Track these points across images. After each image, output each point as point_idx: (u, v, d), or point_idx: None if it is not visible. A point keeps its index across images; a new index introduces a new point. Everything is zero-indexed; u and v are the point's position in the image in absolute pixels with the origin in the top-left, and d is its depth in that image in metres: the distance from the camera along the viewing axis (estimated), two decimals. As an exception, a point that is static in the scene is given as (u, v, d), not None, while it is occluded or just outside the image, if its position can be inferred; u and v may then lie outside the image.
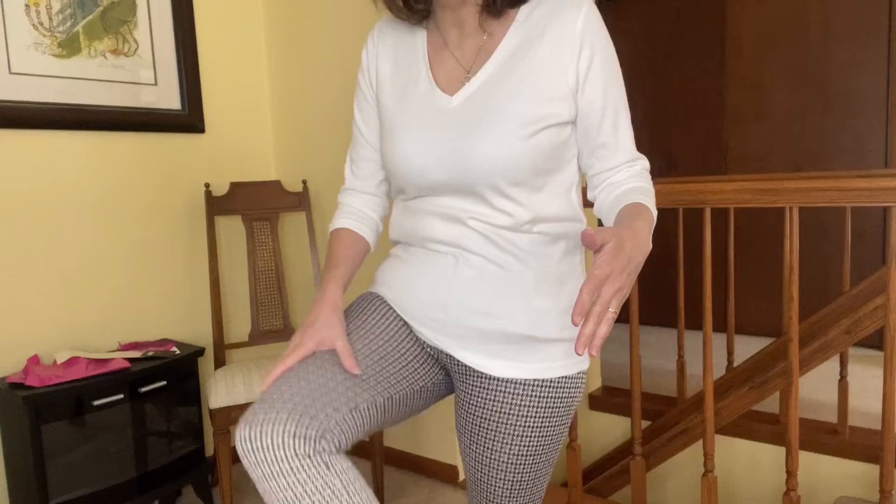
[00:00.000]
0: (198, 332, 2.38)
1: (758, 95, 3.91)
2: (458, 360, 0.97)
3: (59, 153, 2.00)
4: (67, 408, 1.76)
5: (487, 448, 0.96)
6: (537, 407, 0.94)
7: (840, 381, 2.37)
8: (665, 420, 2.75)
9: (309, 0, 2.46)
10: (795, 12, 3.75)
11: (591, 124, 0.93)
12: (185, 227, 2.33)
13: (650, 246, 0.80)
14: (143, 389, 1.90)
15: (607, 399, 3.03)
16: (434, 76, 0.95)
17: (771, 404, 2.62)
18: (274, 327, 2.32)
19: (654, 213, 0.91)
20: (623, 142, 0.95)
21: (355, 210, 1.08)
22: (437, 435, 2.29)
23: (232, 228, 2.48)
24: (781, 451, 2.45)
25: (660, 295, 4.31)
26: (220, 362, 2.22)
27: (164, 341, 2.16)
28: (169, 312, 2.29)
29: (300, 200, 2.41)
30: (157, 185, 2.24)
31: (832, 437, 2.36)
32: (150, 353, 1.99)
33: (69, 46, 1.99)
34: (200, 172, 2.38)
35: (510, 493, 0.98)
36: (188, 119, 2.30)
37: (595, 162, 0.96)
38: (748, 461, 2.56)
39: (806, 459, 2.39)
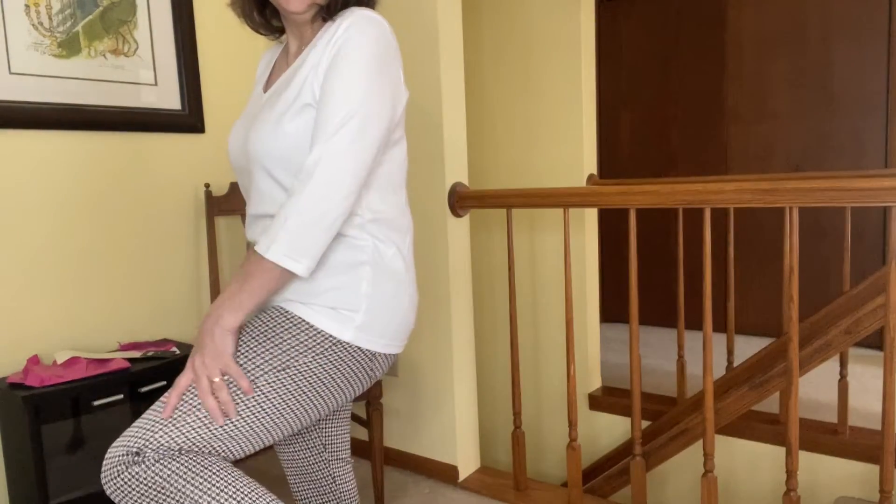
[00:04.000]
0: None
1: (758, 95, 3.91)
2: None
3: (58, 153, 2.00)
4: (67, 408, 1.76)
5: None
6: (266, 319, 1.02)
7: (840, 381, 2.37)
8: (665, 420, 2.75)
9: None
10: (795, 12, 3.76)
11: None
12: (185, 227, 2.33)
13: (237, 308, 0.97)
14: (143, 389, 1.90)
15: (607, 399, 3.04)
16: (269, 80, 1.13)
17: (771, 404, 2.62)
18: (274, 327, 2.31)
19: (283, 238, 0.93)
20: (324, 125, 0.95)
21: None
22: (437, 435, 2.29)
23: (232, 228, 2.48)
24: (781, 451, 2.45)
25: (660, 295, 4.31)
26: (220, 362, 2.21)
27: (164, 341, 2.17)
28: (169, 312, 2.29)
29: (300, 200, 2.41)
30: (157, 185, 2.24)
31: (832, 437, 2.36)
32: (150, 353, 2.00)
33: (69, 46, 1.99)
34: (200, 172, 2.38)
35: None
36: (188, 119, 2.30)
37: None
38: (748, 461, 2.56)
39: (806, 459, 2.40)
